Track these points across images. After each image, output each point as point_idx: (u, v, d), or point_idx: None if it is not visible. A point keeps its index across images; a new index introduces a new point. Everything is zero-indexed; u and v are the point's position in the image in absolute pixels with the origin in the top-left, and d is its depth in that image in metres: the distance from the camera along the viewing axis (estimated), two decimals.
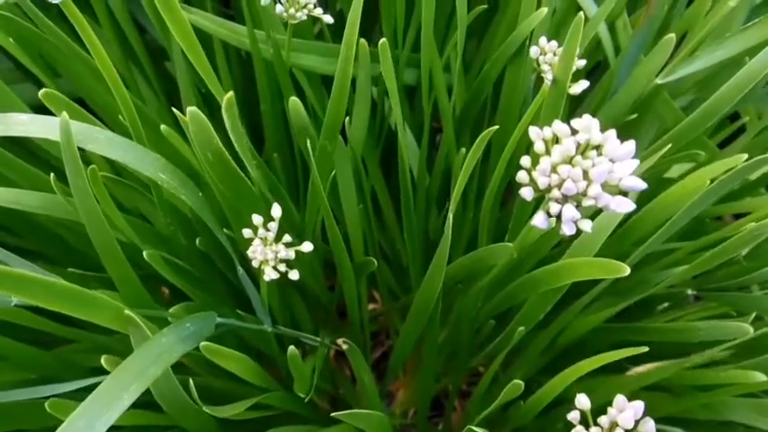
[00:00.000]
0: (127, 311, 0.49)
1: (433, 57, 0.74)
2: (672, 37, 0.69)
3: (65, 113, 0.49)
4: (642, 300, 0.73)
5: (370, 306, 1.01)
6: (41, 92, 0.55)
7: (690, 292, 0.74)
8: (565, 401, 0.69)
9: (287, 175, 0.85)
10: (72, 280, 0.73)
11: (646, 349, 0.58)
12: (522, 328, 0.65)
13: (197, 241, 0.70)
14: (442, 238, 0.61)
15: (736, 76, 0.65)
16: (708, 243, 0.72)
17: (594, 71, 0.88)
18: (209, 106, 0.83)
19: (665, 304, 0.80)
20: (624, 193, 0.47)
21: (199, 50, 0.60)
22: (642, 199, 0.71)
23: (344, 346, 0.76)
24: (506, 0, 0.85)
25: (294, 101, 0.68)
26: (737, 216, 0.83)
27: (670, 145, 0.66)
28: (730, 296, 0.71)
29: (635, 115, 0.74)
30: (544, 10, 0.67)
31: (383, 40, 0.63)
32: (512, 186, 0.77)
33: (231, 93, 0.50)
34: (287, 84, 0.73)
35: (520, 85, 0.74)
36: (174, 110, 0.55)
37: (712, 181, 0.62)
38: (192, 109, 0.51)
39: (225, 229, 0.66)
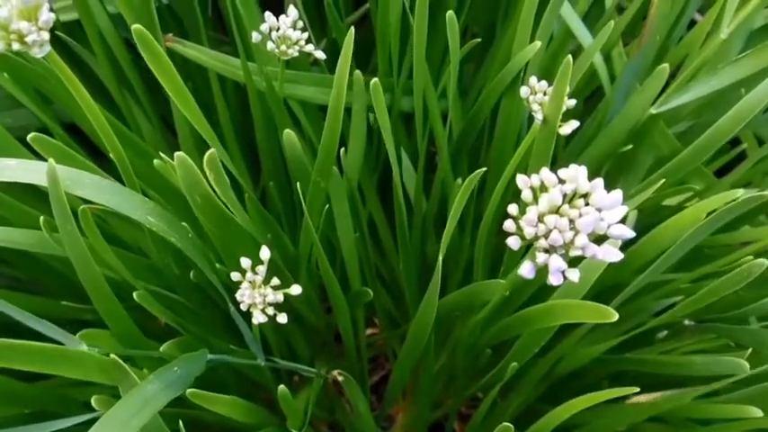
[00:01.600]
0: (113, 356, 0.49)
1: (427, 86, 0.74)
2: (665, 67, 0.69)
3: (51, 160, 0.49)
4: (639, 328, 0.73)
5: (370, 330, 1.01)
6: (30, 136, 0.55)
7: (688, 322, 0.73)
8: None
9: (284, 203, 0.85)
10: (66, 312, 0.74)
11: (637, 389, 0.58)
12: (514, 364, 0.65)
13: (191, 274, 0.70)
14: (433, 275, 0.61)
15: (735, 108, 0.64)
16: (704, 273, 0.72)
17: (591, 99, 0.87)
18: None
19: (664, 332, 0.80)
20: None
21: (189, 100, 0.60)
22: (641, 228, 0.71)
23: (340, 378, 0.75)
24: (504, 27, 0.85)
25: (288, 134, 0.68)
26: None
27: (663, 180, 0.65)
28: (728, 329, 0.70)
29: (630, 146, 0.74)
30: (537, 43, 0.67)
31: (375, 80, 0.63)
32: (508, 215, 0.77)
33: (213, 150, 0.49)
34: (281, 116, 0.73)
35: (515, 116, 0.73)
36: (162, 155, 0.55)
37: (710, 214, 0.61)
38: (179, 154, 0.51)
39: (218, 264, 0.66)
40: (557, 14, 0.73)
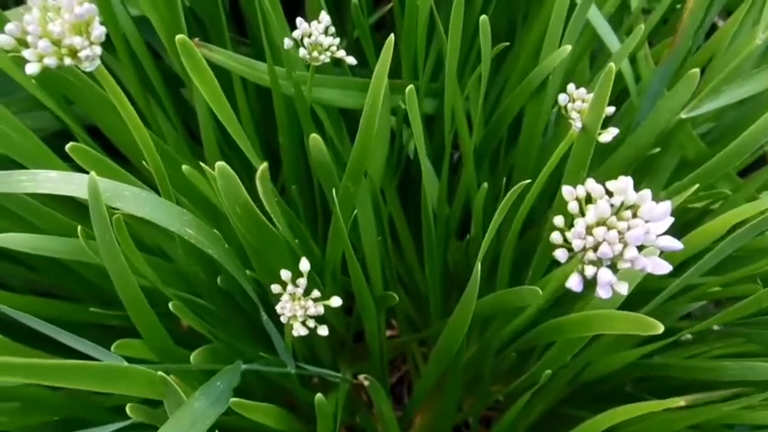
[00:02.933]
0: (161, 373, 0.49)
1: (455, 94, 0.74)
2: (696, 72, 0.68)
3: (93, 173, 0.48)
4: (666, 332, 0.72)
5: (388, 332, 1.00)
6: (69, 146, 0.55)
7: (715, 327, 0.73)
8: None
9: (305, 204, 0.85)
10: (93, 318, 0.73)
11: (681, 402, 0.57)
12: (548, 372, 0.65)
13: (218, 280, 0.69)
14: (468, 283, 0.61)
15: (765, 117, 0.64)
16: (735, 278, 0.72)
17: (614, 101, 0.86)
18: (226, 135, 0.82)
19: (689, 336, 0.80)
20: None
21: (227, 108, 0.59)
22: (670, 231, 0.71)
23: (366, 383, 0.75)
24: (525, 28, 0.85)
25: (315, 138, 0.67)
26: None
27: (696, 186, 0.65)
28: (757, 334, 0.70)
29: (658, 149, 0.74)
30: (567, 48, 0.67)
31: (410, 87, 0.62)
32: (530, 220, 0.76)
33: (266, 164, 0.49)
34: (307, 121, 0.73)
35: (540, 121, 0.73)
36: (202, 165, 0.55)
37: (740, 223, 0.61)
38: (220, 164, 0.51)
39: (248, 271, 0.66)
40: (584, 18, 0.72)
